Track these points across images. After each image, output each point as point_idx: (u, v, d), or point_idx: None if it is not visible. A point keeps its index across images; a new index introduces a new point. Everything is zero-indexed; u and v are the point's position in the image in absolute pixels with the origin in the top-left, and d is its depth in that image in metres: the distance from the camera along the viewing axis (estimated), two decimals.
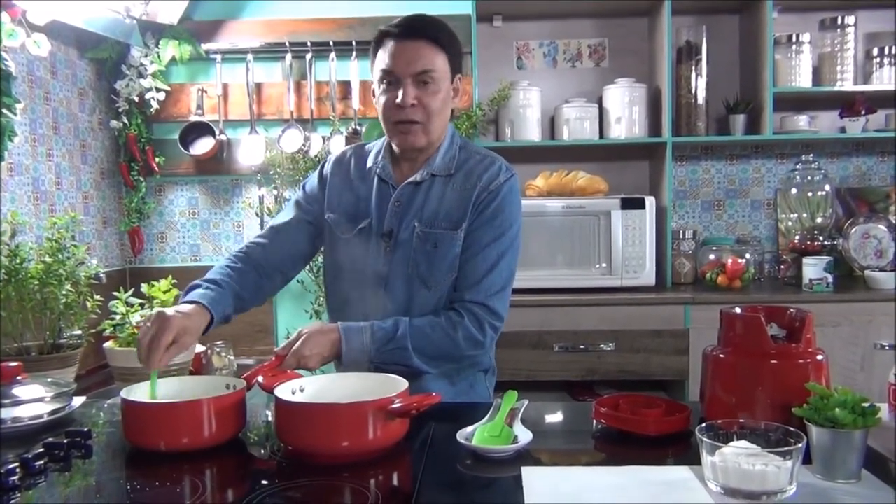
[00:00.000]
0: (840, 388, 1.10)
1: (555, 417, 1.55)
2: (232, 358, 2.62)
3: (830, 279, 2.77)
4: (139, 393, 1.34)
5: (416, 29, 1.55)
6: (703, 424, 1.09)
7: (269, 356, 3.19)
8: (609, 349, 2.70)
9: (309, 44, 3.13)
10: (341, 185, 1.70)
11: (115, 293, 2.21)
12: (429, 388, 1.56)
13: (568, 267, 2.82)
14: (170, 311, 1.42)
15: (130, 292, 2.24)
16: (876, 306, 2.68)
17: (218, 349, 2.54)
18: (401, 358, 1.51)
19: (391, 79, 1.55)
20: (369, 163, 1.70)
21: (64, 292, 2.17)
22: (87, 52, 2.96)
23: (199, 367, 2.30)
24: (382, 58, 1.56)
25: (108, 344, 2.22)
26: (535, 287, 2.72)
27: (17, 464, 1.15)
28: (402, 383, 1.29)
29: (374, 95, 1.63)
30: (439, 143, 1.64)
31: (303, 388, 1.33)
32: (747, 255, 2.98)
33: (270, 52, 3.18)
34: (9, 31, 2.08)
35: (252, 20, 3.20)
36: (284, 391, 1.28)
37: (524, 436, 1.25)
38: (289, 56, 3.14)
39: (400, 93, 1.54)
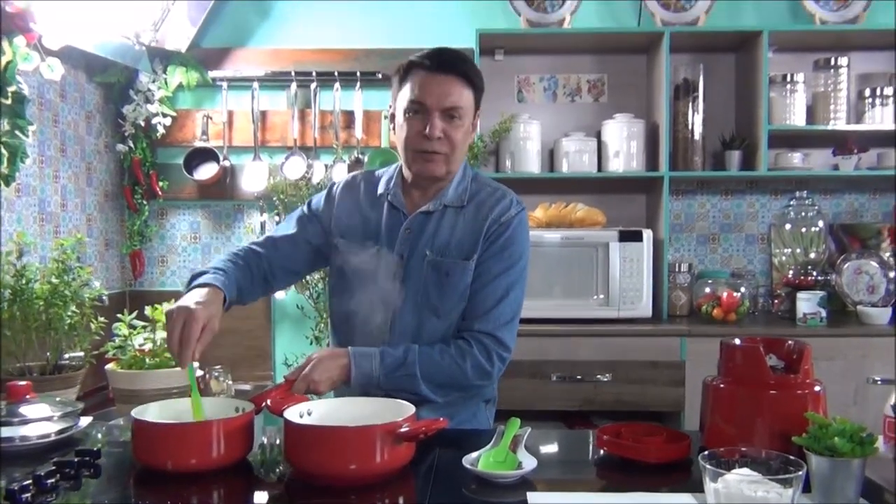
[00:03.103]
0: (838, 417, 1.13)
1: (556, 445, 1.57)
2: (230, 382, 2.63)
3: (824, 313, 2.81)
4: (152, 411, 1.36)
5: (449, 63, 1.57)
6: (706, 452, 1.11)
7: (267, 381, 3.21)
8: (606, 380, 2.72)
9: (314, 73, 3.18)
10: (351, 209, 1.72)
11: (119, 315, 2.23)
12: (431, 417, 1.57)
13: (566, 297, 2.85)
14: (190, 303, 1.44)
15: (134, 315, 2.26)
16: (869, 341, 2.72)
17: (216, 374, 2.56)
18: (409, 385, 1.53)
19: (419, 108, 1.57)
20: (380, 189, 1.72)
21: (69, 313, 2.19)
22: (96, 77, 3.01)
23: (200, 391, 2.31)
24: (412, 88, 1.58)
25: (111, 366, 2.23)
26: (534, 317, 2.75)
27: (29, 481, 1.17)
28: (409, 408, 1.31)
29: (391, 121, 1.67)
30: (452, 175, 1.67)
31: (310, 412, 1.35)
32: (742, 289, 3.02)
33: (276, 80, 3.23)
34: (24, 54, 2.12)
35: (259, 49, 3.26)
36: (293, 414, 1.30)
37: (528, 462, 1.27)
38: (294, 85, 3.19)
39: (428, 124, 1.56)
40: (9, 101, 2.06)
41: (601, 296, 2.84)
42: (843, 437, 1.09)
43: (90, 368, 2.30)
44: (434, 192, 1.67)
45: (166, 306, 2.22)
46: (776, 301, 3.12)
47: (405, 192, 1.69)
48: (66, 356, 2.26)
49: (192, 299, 1.46)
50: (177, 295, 2.37)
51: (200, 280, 1.54)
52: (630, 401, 2.72)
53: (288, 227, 1.76)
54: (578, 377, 2.73)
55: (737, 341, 1.36)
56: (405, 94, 1.59)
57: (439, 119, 1.56)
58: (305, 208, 1.78)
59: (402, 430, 1.21)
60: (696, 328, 2.79)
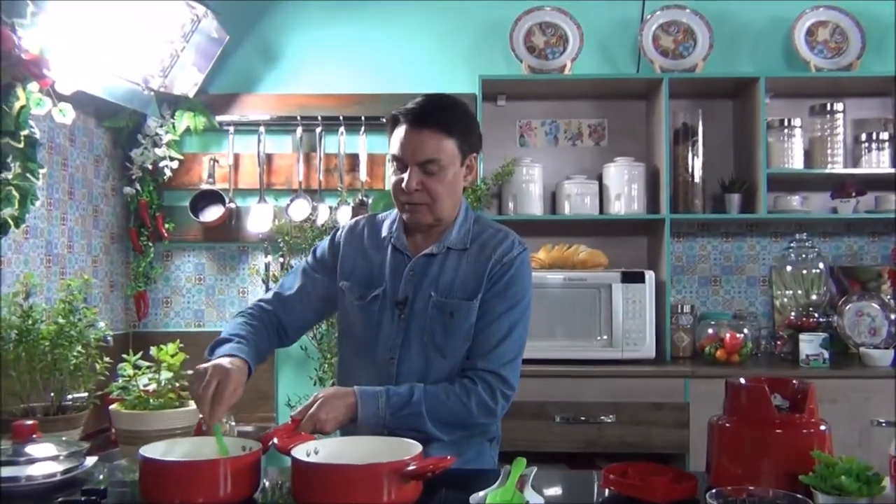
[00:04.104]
0: (845, 456, 1.14)
1: (562, 485, 1.56)
2: (233, 424, 2.61)
3: (827, 355, 2.82)
4: (160, 449, 1.36)
5: (425, 117, 1.60)
6: (714, 491, 1.12)
7: (269, 423, 3.19)
8: (610, 421, 2.71)
9: (319, 118, 3.24)
10: (355, 254, 1.75)
11: (125, 356, 2.24)
12: (437, 455, 1.58)
13: (569, 339, 2.86)
14: (226, 363, 1.47)
15: (139, 355, 2.26)
16: (872, 383, 2.72)
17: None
18: (415, 423, 1.53)
19: (399, 163, 1.63)
20: (383, 232, 1.75)
21: (74, 353, 2.19)
22: (105, 122, 3.07)
23: (201, 433, 2.30)
24: (393, 142, 1.63)
25: (115, 406, 2.23)
26: (537, 358, 2.75)
27: None
28: (416, 447, 1.32)
29: None
30: (453, 218, 1.70)
31: (317, 451, 1.35)
32: (745, 331, 3.03)
33: (282, 124, 3.29)
34: (37, 99, 2.16)
35: (265, 94, 3.32)
36: (300, 452, 1.30)
37: (535, 500, 1.27)
38: (299, 129, 3.25)
39: (405, 177, 1.60)
40: (21, 145, 2.10)
41: (604, 337, 2.85)
42: (850, 475, 1.09)
43: (93, 410, 2.30)
44: (437, 235, 1.69)
45: (171, 347, 2.25)
46: (779, 343, 3.13)
47: (408, 235, 1.72)
48: (70, 397, 2.26)
49: (226, 361, 1.49)
50: (181, 336, 2.38)
51: (228, 349, 1.56)
52: (634, 442, 2.71)
53: (294, 281, 1.78)
54: (582, 418, 2.72)
55: (742, 381, 1.37)
56: (390, 147, 1.65)
57: (416, 172, 1.60)
58: (310, 258, 1.81)
59: (410, 468, 1.22)
60: (700, 369, 2.79)
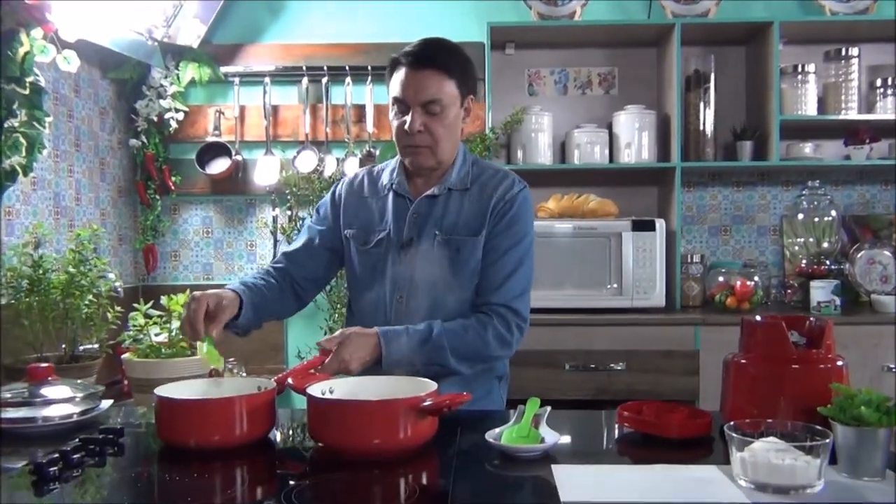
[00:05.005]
0: (864, 388, 1.13)
1: (576, 424, 1.57)
2: (244, 374, 2.64)
3: (838, 302, 2.81)
4: (175, 390, 1.36)
5: (426, 58, 1.62)
6: (732, 423, 1.11)
7: (279, 375, 3.21)
8: (620, 369, 2.72)
9: (325, 68, 3.20)
10: (356, 203, 1.78)
11: (136, 304, 2.24)
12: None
13: (579, 287, 2.85)
14: (216, 290, 1.55)
15: (150, 304, 2.27)
16: (883, 329, 2.71)
17: (230, 366, 2.57)
18: (438, 357, 1.56)
19: (401, 106, 1.64)
20: (384, 180, 1.77)
21: (86, 303, 2.20)
22: (110, 73, 3.03)
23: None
24: (393, 84, 1.65)
25: (127, 355, 2.24)
26: (547, 307, 2.75)
27: (56, 455, 1.18)
28: (431, 385, 1.32)
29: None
30: (452, 161, 1.72)
31: (332, 390, 1.35)
32: (755, 279, 3.02)
33: (287, 75, 3.24)
34: (40, 47, 2.13)
35: (270, 44, 3.27)
36: (316, 391, 1.31)
37: (551, 437, 1.28)
38: (305, 79, 3.20)
39: (408, 119, 1.62)
40: (27, 92, 2.08)
41: (614, 285, 2.85)
42: (870, 406, 1.08)
43: (105, 361, 2.31)
44: (437, 178, 1.72)
45: (182, 297, 2.25)
46: (789, 291, 3.12)
47: (408, 179, 1.75)
48: (82, 348, 2.28)
49: (217, 290, 1.56)
50: (191, 289, 2.38)
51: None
52: (644, 390, 2.71)
53: (301, 237, 1.83)
54: (592, 366, 2.73)
55: (758, 318, 1.36)
56: (391, 90, 1.66)
57: (419, 114, 1.62)
58: (315, 215, 1.85)
59: (426, 404, 1.22)
60: (711, 317, 2.79)
